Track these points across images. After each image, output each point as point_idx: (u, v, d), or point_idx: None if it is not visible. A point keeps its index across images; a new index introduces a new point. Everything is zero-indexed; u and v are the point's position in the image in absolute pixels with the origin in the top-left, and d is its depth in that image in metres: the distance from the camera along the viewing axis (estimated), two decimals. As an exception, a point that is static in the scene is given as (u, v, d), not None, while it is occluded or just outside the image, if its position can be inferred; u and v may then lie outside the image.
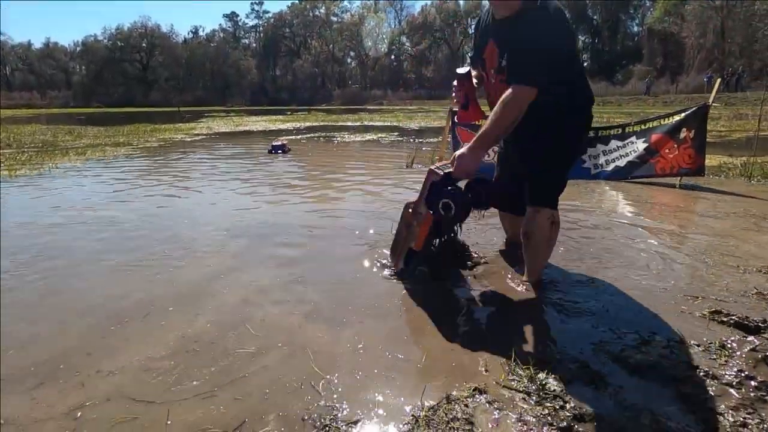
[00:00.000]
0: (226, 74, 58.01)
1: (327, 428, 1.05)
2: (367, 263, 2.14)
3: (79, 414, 1.12)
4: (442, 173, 1.67)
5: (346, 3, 59.76)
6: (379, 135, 9.89)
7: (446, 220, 1.66)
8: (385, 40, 57.47)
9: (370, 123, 14.85)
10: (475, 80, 1.82)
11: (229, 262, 2.19)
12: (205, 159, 6.35)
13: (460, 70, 1.81)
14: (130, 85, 55.42)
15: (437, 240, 2.01)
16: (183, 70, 58.34)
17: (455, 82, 1.82)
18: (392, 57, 59.08)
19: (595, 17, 48.26)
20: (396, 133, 10.46)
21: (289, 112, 26.06)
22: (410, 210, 1.84)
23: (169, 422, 1.09)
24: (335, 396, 1.17)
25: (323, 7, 60.11)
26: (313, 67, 58.41)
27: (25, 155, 6.56)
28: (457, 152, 1.62)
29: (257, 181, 4.42)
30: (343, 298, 1.78)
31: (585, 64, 52.65)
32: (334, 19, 60.55)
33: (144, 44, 58.04)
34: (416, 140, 8.68)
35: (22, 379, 1.27)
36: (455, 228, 2.03)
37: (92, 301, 1.78)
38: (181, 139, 9.66)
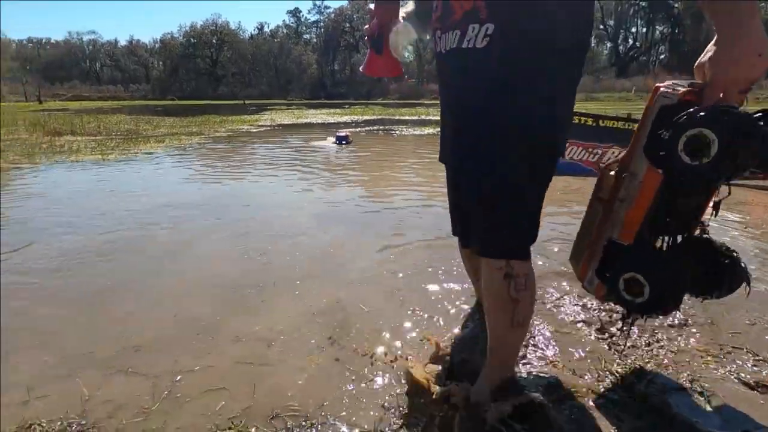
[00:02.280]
0: (288, 69, 60.09)
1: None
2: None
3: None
4: (676, 94, 0.85)
5: (406, -4, 59.24)
6: (438, 129, 9.74)
7: (697, 178, 0.79)
8: (445, 34, 56.46)
9: (428, 117, 14.70)
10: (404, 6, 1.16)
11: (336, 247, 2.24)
12: (272, 148, 6.61)
13: None
14: (201, 80, 59.08)
15: (670, 228, 0.96)
16: (248, 65, 61.17)
17: (372, 5, 1.15)
18: (450, 51, 57.96)
19: (676, 4, 44.25)
20: (455, 128, 10.25)
21: (347, 106, 26.48)
22: (610, 171, 1.02)
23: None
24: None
25: (383, 1, 60.07)
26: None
27: (113, 142, 7.19)
28: (707, 55, 0.79)
29: (327, 171, 4.52)
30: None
31: (662, 56, 48.54)
32: None
33: (214, 41, 61.51)
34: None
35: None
36: (716, 202, 0.95)
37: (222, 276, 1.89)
38: (247, 129, 10.12)
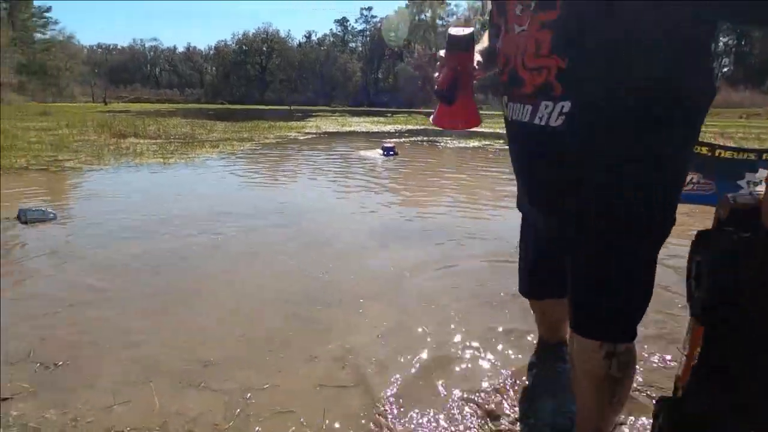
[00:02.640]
0: (333, 76, 61.47)
1: None
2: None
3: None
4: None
5: (452, 7, 59.47)
6: (485, 142, 9.62)
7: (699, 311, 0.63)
8: (490, 44, 56.04)
9: (472, 129, 14.54)
10: (478, 55, 1.01)
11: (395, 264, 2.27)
12: (321, 158, 6.76)
13: (455, 31, 0.99)
14: (250, 85, 61.57)
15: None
16: (295, 72, 63.13)
17: (441, 52, 1.01)
18: (496, 60, 57.34)
19: (743, 15, 41.53)
20: (502, 141, 10.08)
21: (389, 114, 26.70)
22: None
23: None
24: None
25: (429, 11, 60.53)
26: (414, 71, 59.10)
27: (172, 145, 7.61)
28: None
29: (377, 183, 4.56)
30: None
31: (726, 69, 45.67)
32: (440, 22, 60.62)
33: (264, 48, 64.00)
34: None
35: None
36: None
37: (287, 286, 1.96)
38: (295, 136, 10.42)
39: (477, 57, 1.00)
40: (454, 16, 59.64)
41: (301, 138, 10.16)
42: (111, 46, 75.15)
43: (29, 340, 1.53)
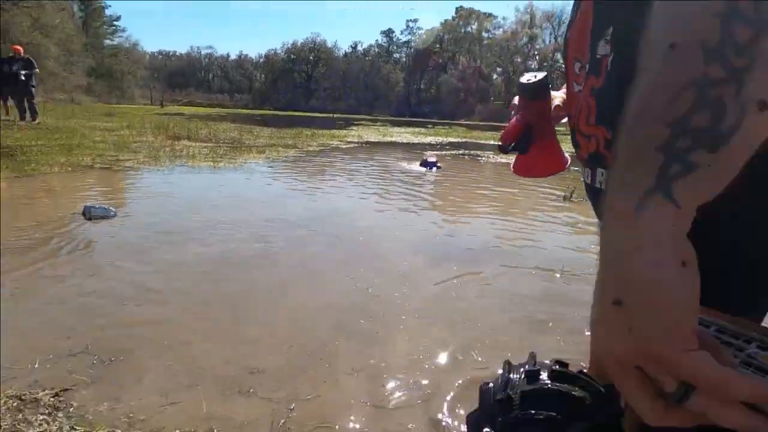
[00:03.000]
0: (376, 86, 62.43)
1: None
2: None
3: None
4: None
5: (499, 19, 59.02)
6: (527, 158, 9.38)
7: None
8: (537, 57, 55.08)
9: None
10: (557, 99, 0.95)
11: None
12: (363, 168, 6.84)
13: (526, 78, 0.93)
14: (296, 92, 63.58)
15: None
16: (340, 81, 64.63)
17: (515, 100, 0.98)
18: (542, 74, 56.31)
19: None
20: (545, 157, 9.81)
21: (430, 125, 26.70)
22: None
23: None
24: None
25: (475, 24, 60.35)
26: (457, 82, 58.99)
27: (221, 149, 7.95)
28: None
29: (420, 197, 4.56)
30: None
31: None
32: (485, 35, 60.28)
33: (311, 57, 66.01)
34: (571, 168, 8.00)
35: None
36: None
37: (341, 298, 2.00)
38: (337, 145, 10.61)
39: (557, 99, 0.94)
40: (500, 29, 59.10)
41: (343, 147, 10.33)
42: (170, 53, 79.98)
43: (88, 334, 1.62)
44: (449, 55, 62.29)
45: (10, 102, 10.63)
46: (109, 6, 46.06)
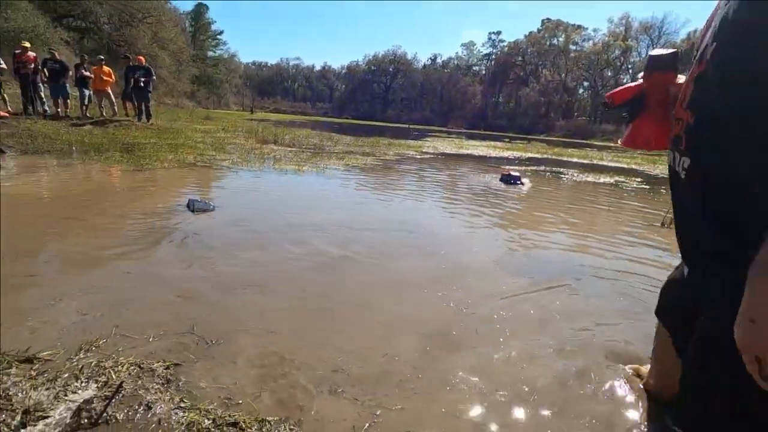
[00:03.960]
0: (452, 98, 62.19)
1: None
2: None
3: (376, 415, 1.25)
4: None
5: (589, 31, 55.83)
6: (616, 178, 8.72)
7: None
8: (630, 70, 51.18)
9: (600, 162, 13.34)
10: (681, 79, 0.93)
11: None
12: (441, 179, 6.82)
13: (657, 51, 0.97)
14: (373, 102, 65.50)
15: None
16: (416, 92, 65.38)
17: (641, 74, 1.01)
18: (635, 89, 52.07)
19: None
20: (638, 179, 9.04)
21: (507, 140, 25.93)
22: None
23: None
24: None
25: (563, 36, 57.74)
26: (539, 96, 56.74)
27: (305, 154, 8.39)
28: None
29: (503, 213, 4.44)
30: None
31: None
32: (573, 47, 57.39)
33: (391, 69, 67.60)
34: (668, 192, 7.28)
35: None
36: None
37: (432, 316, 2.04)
38: (413, 155, 10.69)
39: (681, 79, 0.95)
40: (590, 41, 55.89)
41: (419, 157, 10.38)
42: (262, 63, 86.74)
43: (193, 316, 1.78)
44: (532, 68, 60.22)
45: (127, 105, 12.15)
46: (215, 22, 51.06)
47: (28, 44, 10.82)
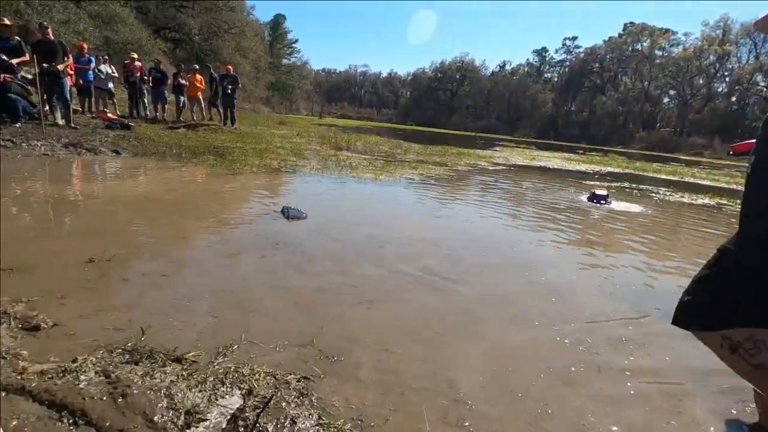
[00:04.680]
0: (521, 106, 60.22)
1: None
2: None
3: None
4: None
5: (679, 35, 51.34)
6: (720, 200, 7.87)
7: None
8: (727, 78, 46.36)
9: (693, 180, 12.15)
10: None
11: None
12: (521, 194, 6.60)
13: None
14: (437, 109, 65.21)
15: None
16: (483, 99, 64.15)
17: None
18: (732, 99, 47.07)
19: None
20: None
21: (581, 151, 24.55)
22: None
23: None
24: None
25: (648, 40, 53.66)
26: (617, 105, 53.15)
27: (378, 162, 8.52)
28: None
29: (598, 237, 4.20)
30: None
31: None
32: (659, 53, 53.13)
33: (457, 76, 66.93)
34: None
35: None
36: None
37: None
38: (485, 166, 10.45)
39: None
40: (679, 46, 51.41)
41: (491, 168, 10.13)
42: (331, 70, 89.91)
43: (310, 328, 1.84)
44: (610, 75, 56.58)
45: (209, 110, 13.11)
46: (291, 31, 53.80)
47: (135, 55, 12.07)
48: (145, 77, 11.53)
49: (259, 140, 10.50)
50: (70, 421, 1.15)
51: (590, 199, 5.94)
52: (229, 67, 13.12)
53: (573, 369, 1.72)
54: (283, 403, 1.31)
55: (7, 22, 7.23)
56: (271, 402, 1.27)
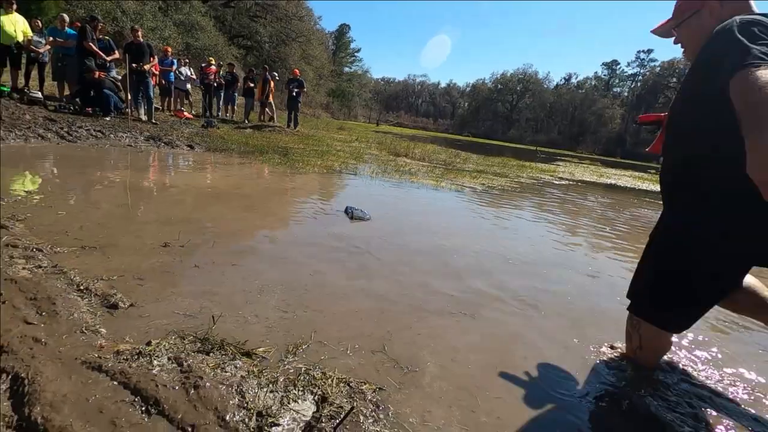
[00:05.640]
0: (585, 121, 57.39)
1: None
2: None
3: None
4: None
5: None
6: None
7: None
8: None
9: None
10: None
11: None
12: (600, 214, 6.15)
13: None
14: (496, 121, 63.86)
15: None
16: (545, 112, 61.89)
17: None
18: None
19: None
20: None
21: (653, 170, 22.80)
22: None
23: None
24: None
25: (735, 55, 49.09)
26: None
27: (437, 170, 8.34)
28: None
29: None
30: None
31: None
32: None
33: (518, 88, 65.18)
34: None
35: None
36: None
37: (567, 350, 1.76)
38: (548, 180, 9.93)
39: None
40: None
41: (556, 182, 9.60)
42: (390, 79, 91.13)
43: (380, 334, 1.70)
44: (688, 91, 52.35)
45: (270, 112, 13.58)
46: (354, 40, 55.23)
47: (212, 60, 12.82)
48: (218, 80, 12.21)
49: (320, 143, 10.70)
50: (143, 408, 1.10)
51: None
52: (296, 71, 13.57)
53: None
54: (360, 417, 1.18)
55: (100, 24, 7.91)
56: (349, 415, 1.14)
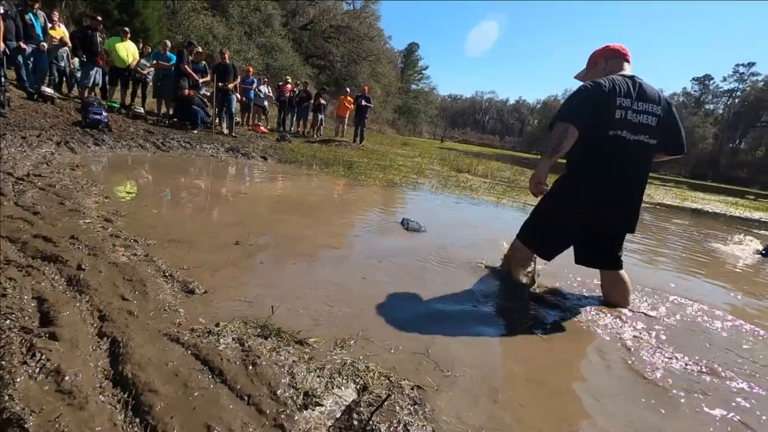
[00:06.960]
0: (670, 140, 52.93)
1: None
2: None
3: None
4: None
5: None
6: None
7: None
8: None
9: None
10: None
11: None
12: (680, 240, 5.70)
13: None
14: (567, 139, 61.01)
15: None
16: (623, 131, 58.16)
17: None
18: None
19: None
20: None
21: (752, 197, 20.37)
22: None
23: None
24: None
25: None
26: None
27: (500, 187, 8.19)
28: None
29: None
30: None
31: None
32: None
33: (594, 104, 61.85)
34: None
35: None
36: None
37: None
38: (622, 201, 9.28)
39: None
40: None
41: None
42: (457, 96, 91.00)
43: (425, 338, 1.76)
44: (798, 108, 46.29)
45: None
46: (422, 58, 56.11)
47: (289, 78, 13.76)
48: (293, 98, 13.07)
49: (383, 157, 10.99)
50: (209, 376, 1.26)
51: (764, 254, 4.76)
52: (366, 87, 14.13)
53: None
54: (397, 407, 1.25)
55: (199, 50, 8.88)
56: (386, 402, 1.22)
